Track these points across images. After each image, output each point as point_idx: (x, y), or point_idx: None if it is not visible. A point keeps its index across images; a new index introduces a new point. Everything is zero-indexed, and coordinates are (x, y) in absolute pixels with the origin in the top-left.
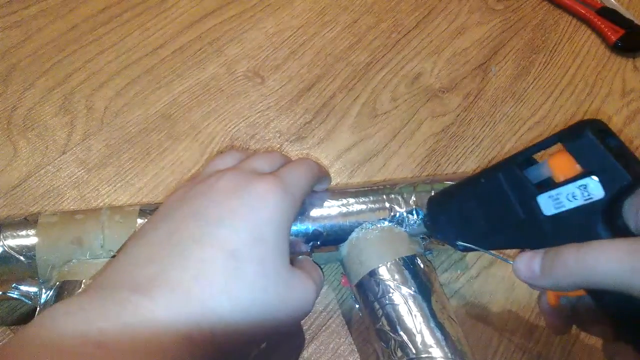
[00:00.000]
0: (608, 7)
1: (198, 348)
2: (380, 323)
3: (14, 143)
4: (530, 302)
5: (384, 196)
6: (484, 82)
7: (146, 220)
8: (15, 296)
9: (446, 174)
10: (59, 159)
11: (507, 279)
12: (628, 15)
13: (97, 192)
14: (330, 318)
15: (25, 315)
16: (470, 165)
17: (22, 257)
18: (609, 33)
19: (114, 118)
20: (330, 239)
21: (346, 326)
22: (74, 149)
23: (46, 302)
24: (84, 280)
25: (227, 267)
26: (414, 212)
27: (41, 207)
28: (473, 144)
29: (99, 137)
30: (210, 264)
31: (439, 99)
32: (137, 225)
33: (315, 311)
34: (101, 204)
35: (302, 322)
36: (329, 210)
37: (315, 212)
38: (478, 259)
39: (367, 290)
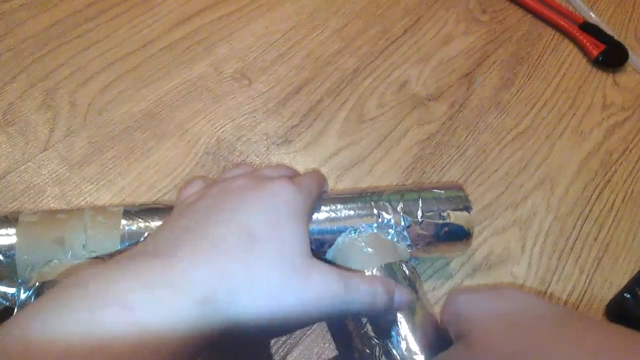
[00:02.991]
0: (590, 23)
1: (213, 315)
2: (365, 329)
3: None
4: None
5: (372, 203)
6: (469, 91)
7: (130, 221)
8: None
9: (432, 182)
10: (40, 155)
11: (491, 286)
12: (609, 31)
13: (79, 190)
14: (314, 323)
15: (1, 315)
16: (454, 173)
17: (0, 257)
18: (591, 48)
19: (98, 115)
20: (317, 244)
21: (330, 332)
22: (56, 145)
23: (24, 302)
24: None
25: (244, 244)
26: (401, 219)
27: (21, 204)
28: (457, 153)
29: (82, 134)
30: (228, 238)
31: (424, 106)
32: (121, 226)
33: None
34: (83, 203)
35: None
36: (316, 215)
37: None
38: (462, 266)
39: None
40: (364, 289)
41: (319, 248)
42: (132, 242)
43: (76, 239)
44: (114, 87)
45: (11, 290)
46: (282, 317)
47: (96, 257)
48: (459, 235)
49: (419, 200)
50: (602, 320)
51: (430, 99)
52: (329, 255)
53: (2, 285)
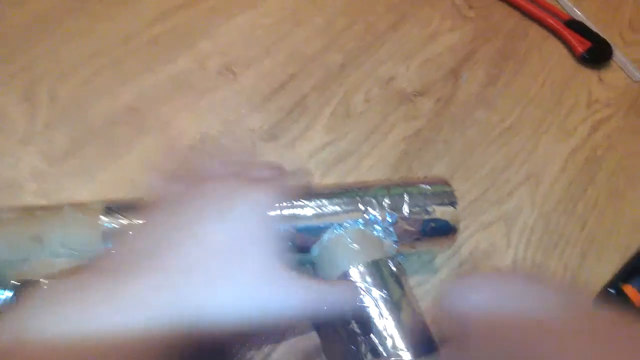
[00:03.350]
0: (575, 20)
1: (178, 338)
2: (351, 325)
3: None
4: None
5: (358, 198)
6: (456, 87)
7: (111, 217)
8: None
9: (419, 177)
10: (19, 150)
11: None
12: (594, 28)
13: (59, 186)
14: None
15: None
16: (441, 168)
17: None
18: (576, 45)
19: (78, 109)
20: (302, 240)
21: (314, 328)
22: (36, 139)
23: (4, 302)
24: (42, 279)
25: (212, 262)
26: (387, 215)
27: (2, 200)
28: (444, 148)
29: (62, 128)
30: (196, 260)
31: (411, 102)
32: (100, 222)
33: None
34: (63, 199)
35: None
36: (302, 211)
37: (287, 212)
38: (447, 261)
39: None
40: (332, 298)
41: (305, 244)
42: (111, 239)
43: (54, 236)
44: (95, 81)
45: None
46: (253, 328)
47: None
48: (445, 231)
49: (404, 196)
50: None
51: (416, 95)
52: (315, 251)
53: None
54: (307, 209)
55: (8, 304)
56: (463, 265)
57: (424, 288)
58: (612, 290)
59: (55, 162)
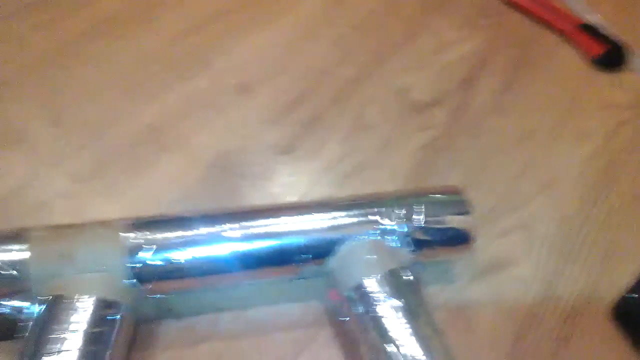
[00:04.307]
0: (589, 24)
1: None
2: (369, 335)
3: (3, 156)
4: (517, 313)
5: (373, 209)
6: (469, 96)
7: (136, 233)
8: (6, 311)
9: (432, 187)
10: (47, 172)
11: (494, 291)
12: (608, 32)
13: (86, 205)
14: (320, 330)
15: (12, 329)
16: (457, 178)
17: (14, 272)
18: (590, 49)
19: (104, 130)
20: (319, 252)
21: (335, 338)
22: (63, 162)
23: (38, 316)
24: (75, 294)
25: None
26: (403, 225)
27: (31, 221)
28: (459, 158)
29: (88, 149)
30: None
31: (425, 112)
32: (125, 238)
33: (304, 324)
34: (90, 218)
35: (291, 334)
36: (318, 224)
37: (304, 226)
38: (465, 270)
39: (356, 303)
40: None
41: (321, 256)
42: (137, 255)
43: (84, 253)
44: (118, 103)
45: (26, 304)
46: None
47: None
48: (460, 239)
49: (419, 206)
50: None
51: (430, 105)
52: (331, 264)
53: (16, 299)
54: (323, 221)
55: (40, 319)
56: (481, 274)
57: (442, 297)
58: (634, 296)
59: (83, 183)
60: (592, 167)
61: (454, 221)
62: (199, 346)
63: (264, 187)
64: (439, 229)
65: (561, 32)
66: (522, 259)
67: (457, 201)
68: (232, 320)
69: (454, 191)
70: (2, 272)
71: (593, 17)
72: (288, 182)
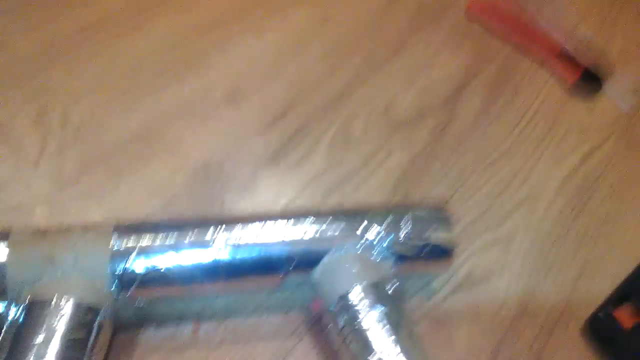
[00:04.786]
0: (566, 51)
1: None
2: (350, 347)
3: None
4: (494, 326)
5: (357, 223)
6: (451, 115)
7: (120, 237)
8: None
9: (415, 202)
10: (30, 174)
11: (472, 304)
12: (584, 60)
13: (69, 210)
14: (299, 341)
15: None
16: (437, 193)
17: None
18: (567, 75)
19: (88, 135)
20: (302, 264)
21: (315, 349)
22: (46, 164)
23: (14, 320)
24: (54, 299)
25: None
26: (384, 240)
27: (10, 223)
28: (440, 174)
29: (72, 152)
30: None
31: (408, 129)
32: (110, 243)
33: (284, 334)
34: (73, 222)
35: (271, 344)
36: (302, 235)
37: (288, 237)
38: (444, 284)
39: (337, 314)
40: None
41: (305, 268)
42: (121, 260)
43: (66, 257)
44: (105, 107)
45: (0, 307)
46: None
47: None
48: (441, 255)
49: (401, 221)
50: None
51: (413, 122)
52: (315, 275)
53: None
54: (307, 233)
55: (15, 323)
56: (459, 288)
57: (422, 310)
58: (602, 315)
59: (66, 186)
60: (567, 188)
61: (435, 237)
62: (178, 355)
63: (248, 197)
64: (420, 245)
65: (540, 57)
66: (499, 273)
67: (439, 217)
68: (212, 329)
69: (436, 207)
70: None
71: (570, 46)
72: (272, 193)
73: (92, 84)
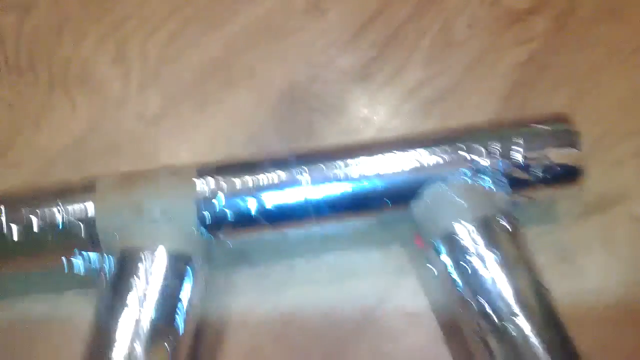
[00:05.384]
0: None
1: None
2: (459, 289)
3: (71, 98)
4: (632, 256)
5: (462, 145)
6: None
7: (205, 180)
8: (81, 269)
9: (533, 115)
10: (116, 113)
11: (606, 228)
12: None
13: (156, 147)
14: (403, 279)
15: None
16: (561, 99)
17: (81, 224)
18: None
19: (169, 66)
20: (401, 197)
21: (421, 289)
22: (131, 101)
23: (109, 269)
24: (145, 249)
25: None
26: (498, 163)
27: (102, 165)
28: (564, 74)
29: (155, 87)
30: None
31: (523, 22)
32: (196, 186)
33: (387, 271)
34: (161, 160)
35: (372, 283)
36: (399, 164)
37: (384, 167)
38: (572, 208)
39: (444, 253)
40: None
41: (403, 201)
42: (208, 204)
43: (152, 203)
44: (182, 34)
45: (95, 256)
46: None
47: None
48: (567, 176)
49: (517, 139)
50: None
51: (529, 12)
52: (415, 209)
53: (86, 251)
54: (405, 162)
55: (111, 272)
56: (589, 212)
57: (545, 239)
58: None
59: (151, 123)
60: None
61: (559, 155)
62: (274, 294)
63: (338, 120)
64: (541, 166)
65: None
66: (638, 193)
67: (562, 131)
68: (308, 266)
69: (558, 119)
70: (68, 225)
71: None
72: (364, 113)
73: (166, 11)
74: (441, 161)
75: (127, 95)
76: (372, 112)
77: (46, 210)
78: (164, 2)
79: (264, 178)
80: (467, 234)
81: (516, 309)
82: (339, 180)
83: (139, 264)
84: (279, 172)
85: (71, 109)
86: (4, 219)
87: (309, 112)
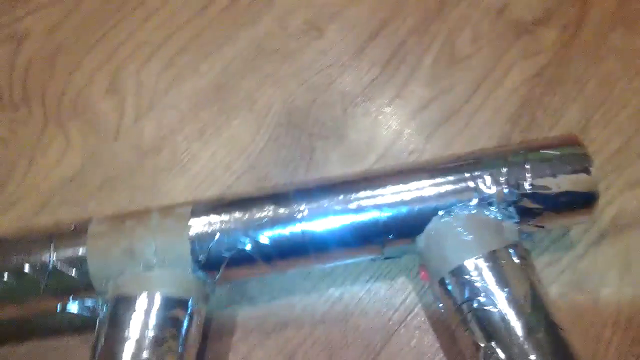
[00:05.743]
0: None
1: None
2: (468, 329)
3: (65, 132)
4: None
5: (468, 173)
6: (586, 8)
7: (200, 219)
8: (74, 311)
9: (540, 138)
10: (111, 145)
11: (621, 256)
12: None
13: (153, 180)
14: (409, 313)
15: (83, 326)
16: (573, 115)
17: (73, 270)
18: None
19: (164, 95)
20: (404, 231)
21: (427, 322)
22: (126, 133)
23: (104, 316)
24: (139, 295)
25: None
26: (506, 192)
27: (98, 200)
28: (575, 89)
29: (150, 117)
30: None
31: (530, 34)
32: (189, 228)
33: (393, 305)
34: (158, 192)
35: (377, 319)
36: (402, 195)
37: (386, 198)
38: (585, 233)
39: (452, 289)
40: None
41: (406, 234)
42: (203, 245)
43: (146, 247)
44: (177, 60)
45: (90, 302)
46: None
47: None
48: (580, 202)
49: (525, 165)
50: None
51: (536, 24)
52: (420, 243)
53: (81, 297)
54: (407, 193)
55: (106, 318)
56: (605, 236)
57: (557, 268)
58: None
59: (148, 154)
60: None
61: (570, 182)
62: (278, 334)
63: (339, 145)
64: (552, 194)
65: None
66: None
67: (572, 155)
68: (311, 304)
69: (568, 141)
70: (61, 271)
71: None
72: (366, 137)
73: (160, 36)
74: (446, 192)
75: (122, 127)
76: (373, 136)
77: (38, 255)
78: (159, 27)
79: (260, 215)
80: (474, 269)
81: (529, 350)
82: (338, 214)
83: (134, 311)
84: (276, 207)
85: (66, 143)
86: None
87: (309, 138)
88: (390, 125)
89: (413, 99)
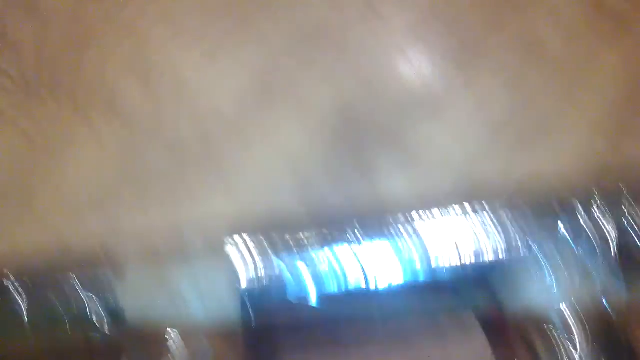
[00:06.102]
0: None
1: None
2: None
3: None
4: None
5: (550, 208)
6: None
7: (236, 250)
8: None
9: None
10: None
11: None
12: None
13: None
14: None
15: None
16: None
17: (103, 301)
18: None
19: (203, 87)
20: (480, 273)
21: None
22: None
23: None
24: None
25: None
26: (596, 230)
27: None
28: None
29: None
30: None
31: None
32: (231, 260)
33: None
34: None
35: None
36: (477, 234)
37: (458, 239)
38: None
39: (530, 339)
40: None
41: (481, 277)
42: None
43: (182, 281)
44: (218, 49)
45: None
46: None
47: None
48: None
49: (624, 196)
50: None
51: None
52: (496, 286)
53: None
54: (484, 230)
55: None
56: None
57: None
58: None
59: (185, 159)
60: None
61: None
62: None
63: (401, 162)
64: None
65: None
66: None
67: None
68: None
69: None
70: (89, 302)
71: None
72: (434, 151)
73: (198, 23)
74: (528, 228)
75: (157, 125)
76: (444, 149)
77: (66, 287)
78: (196, 10)
79: (314, 256)
80: (558, 319)
81: None
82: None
83: (167, 345)
84: (332, 248)
85: (97, 144)
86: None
87: (363, 147)
88: (466, 134)
89: (489, 105)
